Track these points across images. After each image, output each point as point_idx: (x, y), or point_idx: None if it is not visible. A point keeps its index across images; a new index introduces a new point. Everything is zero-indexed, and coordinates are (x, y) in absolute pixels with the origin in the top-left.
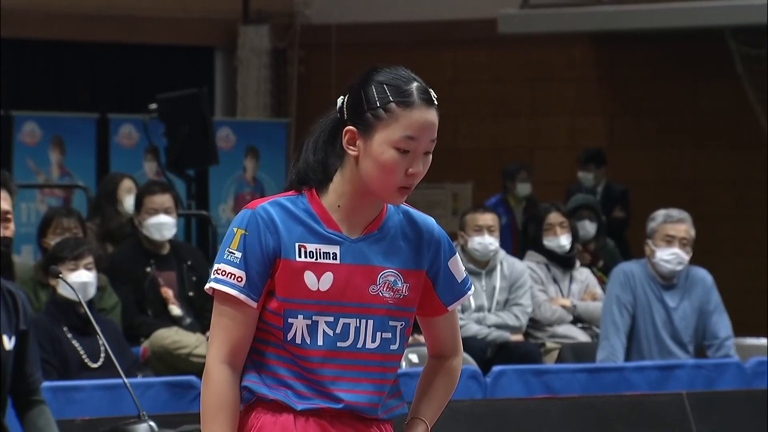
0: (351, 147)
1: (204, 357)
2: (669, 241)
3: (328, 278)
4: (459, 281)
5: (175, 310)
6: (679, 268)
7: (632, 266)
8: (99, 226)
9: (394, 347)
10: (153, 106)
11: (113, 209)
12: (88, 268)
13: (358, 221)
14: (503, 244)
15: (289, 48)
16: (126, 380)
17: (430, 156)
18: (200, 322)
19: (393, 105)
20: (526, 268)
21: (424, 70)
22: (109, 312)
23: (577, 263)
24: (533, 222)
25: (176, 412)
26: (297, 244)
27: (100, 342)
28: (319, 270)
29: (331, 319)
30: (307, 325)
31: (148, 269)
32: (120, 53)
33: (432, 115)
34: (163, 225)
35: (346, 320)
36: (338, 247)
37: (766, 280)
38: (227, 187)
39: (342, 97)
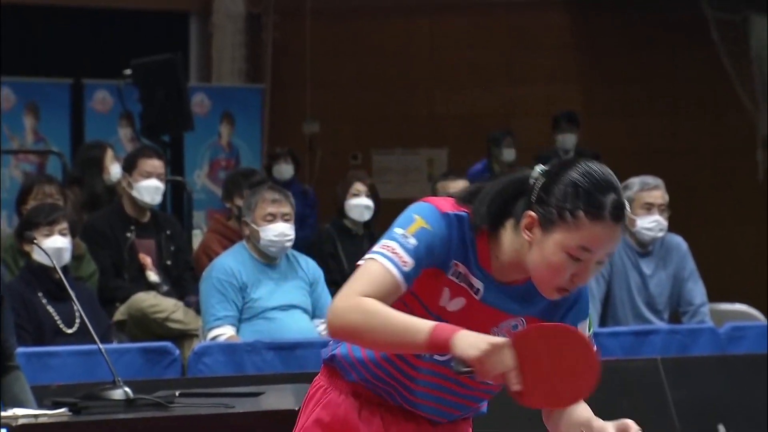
0: (527, 232)
1: (180, 322)
2: (648, 208)
3: (459, 302)
4: None
5: (153, 276)
6: (661, 234)
7: None
8: (82, 193)
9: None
10: (127, 71)
11: (98, 177)
12: (62, 234)
13: (509, 275)
14: None
15: (264, 13)
16: (101, 346)
17: (602, 265)
18: (177, 290)
19: (581, 213)
20: None
21: (401, 36)
22: (86, 280)
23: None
24: None
25: (151, 377)
26: (454, 261)
27: (75, 308)
28: (456, 292)
29: None
30: None
31: (128, 235)
32: (94, 18)
33: (617, 233)
34: (155, 189)
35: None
36: (483, 285)
37: (741, 246)
38: (202, 153)
39: (539, 169)
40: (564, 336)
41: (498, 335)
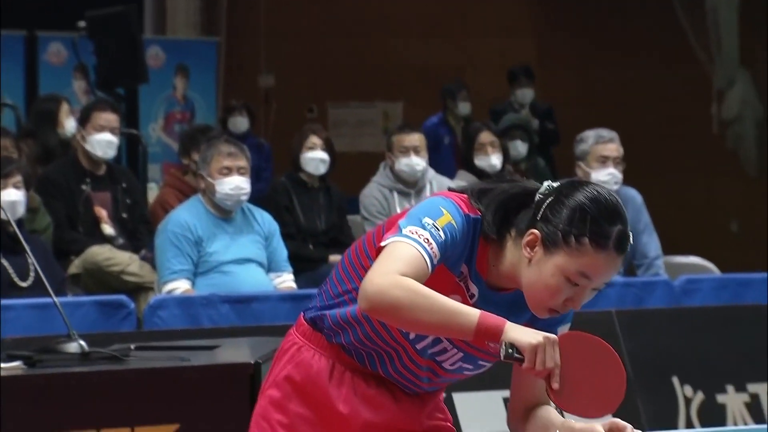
0: (528, 249)
1: (135, 275)
2: (603, 161)
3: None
4: None
5: (108, 229)
6: (616, 187)
7: None
8: (36, 146)
9: (468, 373)
10: (82, 23)
11: (52, 131)
12: (16, 187)
13: (500, 283)
14: (446, 164)
15: None
16: (55, 299)
17: (597, 291)
18: (132, 244)
19: (586, 240)
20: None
21: None
22: (41, 233)
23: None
24: (465, 142)
25: (106, 331)
26: (462, 263)
27: (30, 261)
28: (454, 290)
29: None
30: None
31: (84, 187)
32: None
33: (618, 264)
34: (108, 143)
35: (448, 345)
36: (478, 291)
37: (695, 200)
38: (157, 106)
39: (548, 185)
40: (601, 350)
41: (489, 344)
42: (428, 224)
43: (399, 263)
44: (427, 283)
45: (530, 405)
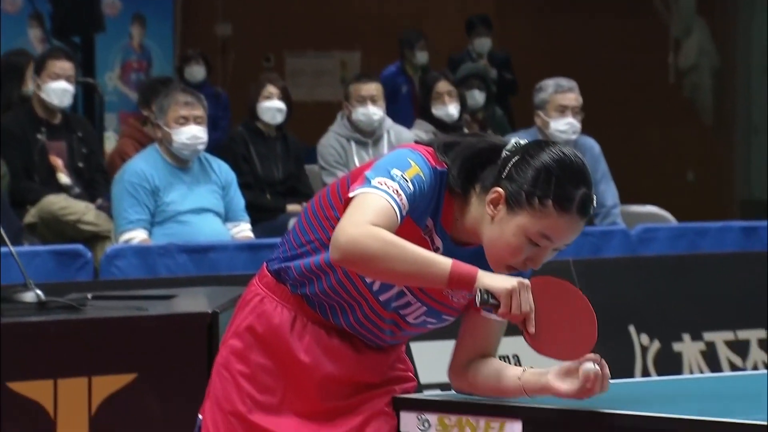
0: (491, 207)
1: (92, 224)
2: (562, 111)
3: None
4: None
5: (64, 178)
6: (574, 137)
7: (523, 136)
8: None
9: (431, 327)
10: None
11: (16, 85)
12: None
13: (463, 238)
14: (404, 113)
15: None
16: (11, 248)
17: (558, 251)
18: (88, 193)
19: (550, 202)
20: (414, 137)
21: None
22: None
23: (465, 132)
24: (422, 91)
25: (63, 280)
26: (428, 216)
27: None
28: (420, 243)
29: (403, 287)
30: None
31: (39, 136)
32: None
33: (580, 226)
34: (63, 91)
35: (411, 299)
36: (442, 244)
37: (652, 148)
38: (114, 55)
39: (515, 142)
40: (571, 294)
41: (452, 299)
42: (397, 176)
43: (370, 214)
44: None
45: (478, 355)
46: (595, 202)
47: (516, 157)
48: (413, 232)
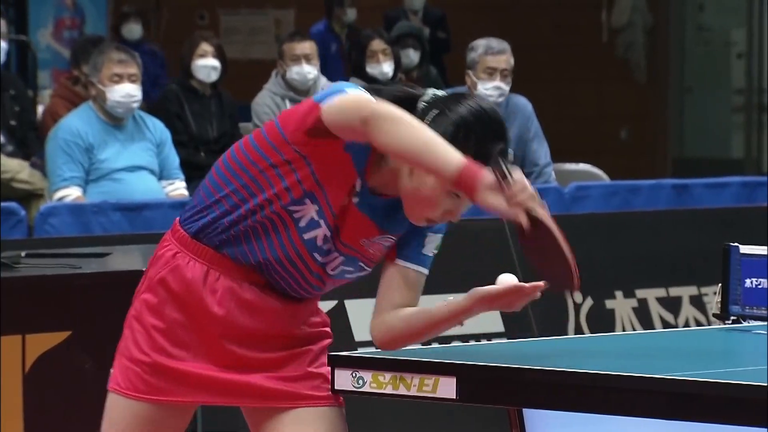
0: None
1: (26, 182)
2: (491, 73)
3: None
4: (422, 253)
5: None
6: (501, 100)
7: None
8: None
9: (349, 277)
10: None
11: None
12: None
13: (382, 189)
14: (333, 71)
15: None
16: None
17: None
18: (22, 151)
19: (469, 157)
20: None
21: None
22: None
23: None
24: (356, 49)
25: None
26: (351, 154)
27: None
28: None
29: (328, 232)
30: (313, 218)
31: None
32: None
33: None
34: None
35: (331, 246)
36: (361, 189)
37: (585, 106)
38: (46, 12)
39: (432, 94)
40: (555, 238)
41: (368, 248)
42: (354, 87)
43: (368, 98)
44: (321, 162)
45: (404, 307)
46: (511, 156)
47: (435, 111)
48: (339, 152)
